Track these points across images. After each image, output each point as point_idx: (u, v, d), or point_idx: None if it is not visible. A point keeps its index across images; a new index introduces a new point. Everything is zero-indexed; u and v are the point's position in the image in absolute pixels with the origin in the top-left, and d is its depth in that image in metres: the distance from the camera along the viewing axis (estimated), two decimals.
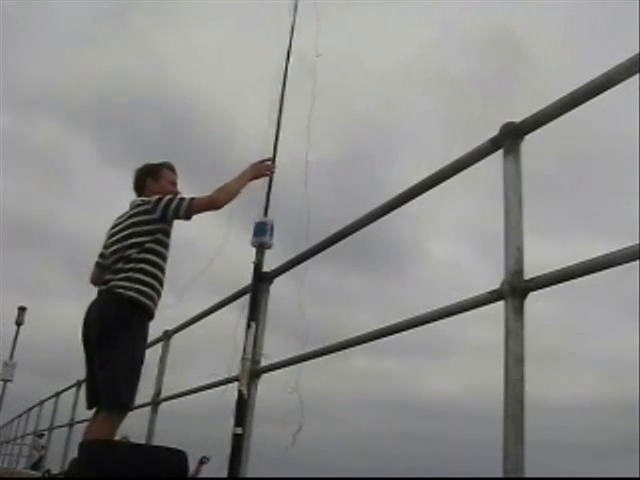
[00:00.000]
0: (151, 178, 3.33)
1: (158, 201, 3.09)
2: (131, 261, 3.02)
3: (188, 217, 3.10)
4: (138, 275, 3.00)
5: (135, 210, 3.14)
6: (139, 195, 3.31)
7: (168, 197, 3.12)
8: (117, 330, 2.92)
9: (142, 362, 3.04)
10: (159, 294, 3.10)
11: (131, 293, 2.97)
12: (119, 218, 3.22)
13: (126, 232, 3.08)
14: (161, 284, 3.11)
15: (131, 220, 3.11)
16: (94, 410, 3.07)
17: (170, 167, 3.41)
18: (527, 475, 1.46)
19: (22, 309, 16.92)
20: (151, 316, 3.09)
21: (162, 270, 3.11)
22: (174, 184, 3.38)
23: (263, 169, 3.32)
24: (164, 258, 3.12)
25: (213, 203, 3.11)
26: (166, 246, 3.14)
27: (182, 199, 3.11)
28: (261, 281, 3.15)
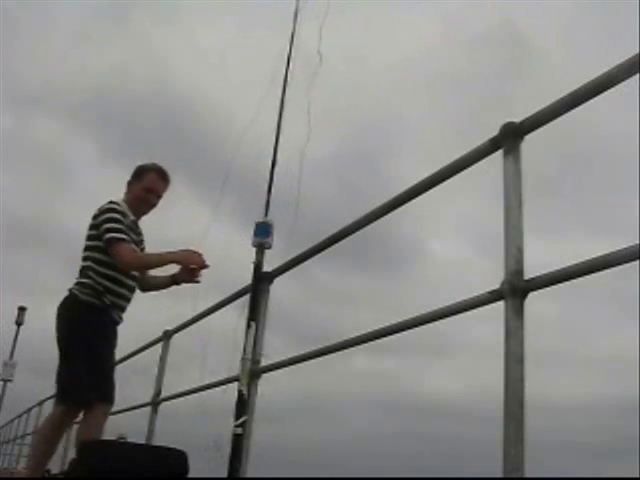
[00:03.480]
0: (133, 178, 3.31)
1: (102, 223, 3.09)
2: (86, 262, 3.14)
3: (107, 253, 3.09)
4: (91, 275, 3.10)
5: (91, 222, 3.18)
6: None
7: (107, 226, 3.07)
8: (72, 331, 3.03)
9: (107, 358, 3.11)
10: (116, 292, 3.15)
11: (84, 295, 3.07)
12: None
13: (86, 237, 3.19)
14: (117, 282, 3.14)
15: (89, 229, 3.20)
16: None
17: (159, 172, 3.30)
18: (527, 475, 1.46)
19: (22, 309, 16.92)
20: (110, 315, 3.13)
21: (116, 269, 3.12)
22: (150, 191, 3.28)
23: (191, 259, 3.16)
24: None
25: (125, 259, 3.06)
26: None
27: (112, 238, 3.05)
28: (261, 281, 3.15)
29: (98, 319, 3.08)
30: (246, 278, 3.23)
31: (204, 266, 3.17)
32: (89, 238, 3.18)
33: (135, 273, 3.23)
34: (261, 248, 3.20)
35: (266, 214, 3.27)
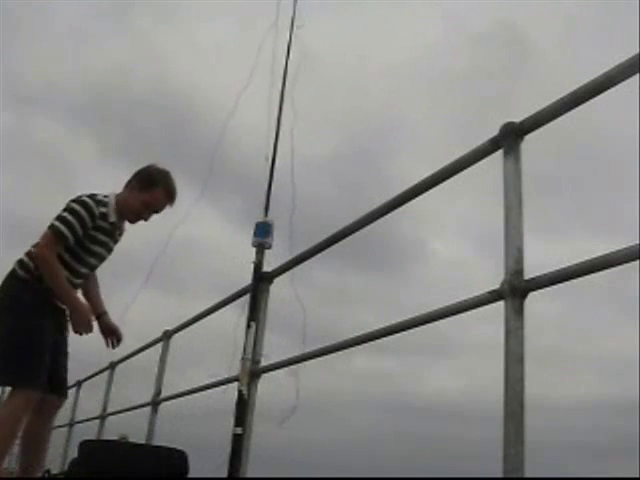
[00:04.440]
0: (139, 183, 3.04)
1: (64, 210, 2.89)
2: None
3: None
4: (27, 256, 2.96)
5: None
6: (125, 185, 3.07)
7: (63, 215, 2.86)
8: (4, 308, 2.88)
9: (37, 338, 2.84)
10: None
11: (21, 272, 2.91)
12: None
13: None
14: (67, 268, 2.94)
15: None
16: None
17: (168, 192, 3.04)
18: (527, 475, 1.46)
19: None
20: (49, 297, 2.91)
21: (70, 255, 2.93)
22: (149, 208, 3.03)
23: (79, 323, 2.89)
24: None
25: (42, 251, 2.83)
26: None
27: (55, 227, 2.83)
28: (261, 281, 3.15)
29: (33, 297, 2.88)
30: (246, 278, 3.24)
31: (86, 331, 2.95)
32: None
33: (84, 270, 3.00)
34: (261, 248, 3.20)
35: (266, 214, 3.27)
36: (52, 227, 2.85)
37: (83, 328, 2.91)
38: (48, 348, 2.87)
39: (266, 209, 3.29)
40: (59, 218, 2.87)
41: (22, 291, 2.88)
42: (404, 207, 2.28)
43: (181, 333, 4.56)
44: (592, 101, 1.56)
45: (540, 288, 1.56)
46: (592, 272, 1.45)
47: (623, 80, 1.47)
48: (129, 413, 4.84)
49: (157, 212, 3.09)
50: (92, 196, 2.95)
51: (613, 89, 1.50)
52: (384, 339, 2.21)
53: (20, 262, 2.94)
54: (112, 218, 2.99)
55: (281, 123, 3.39)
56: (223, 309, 3.81)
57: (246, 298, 3.19)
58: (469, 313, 1.79)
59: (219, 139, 3.29)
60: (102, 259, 3.12)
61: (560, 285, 1.52)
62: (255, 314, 3.08)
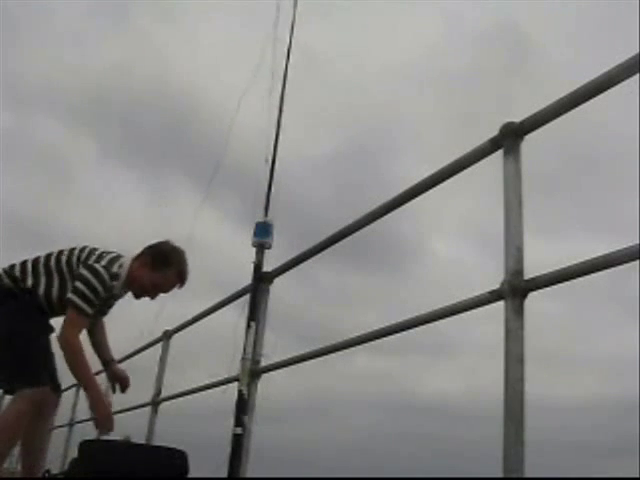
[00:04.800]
0: (153, 260, 2.92)
1: (79, 278, 2.78)
2: (40, 267, 2.92)
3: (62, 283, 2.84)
4: (28, 277, 2.91)
5: (78, 254, 2.90)
6: (137, 257, 2.95)
7: (81, 288, 2.74)
8: None
9: (33, 336, 2.82)
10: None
11: (6, 280, 2.89)
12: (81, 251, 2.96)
13: (60, 259, 2.94)
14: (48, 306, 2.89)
15: (70, 254, 2.92)
16: None
17: (180, 277, 2.96)
18: (527, 475, 1.46)
19: None
20: (29, 297, 2.86)
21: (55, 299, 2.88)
22: (157, 287, 2.94)
23: (101, 419, 2.79)
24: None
25: (68, 336, 2.72)
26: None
27: (77, 305, 2.73)
28: (261, 281, 3.16)
29: (18, 301, 2.86)
30: (246, 278, 3.24)
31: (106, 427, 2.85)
32: (66, 263, 2.90)
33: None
34: (261, 248, 3.20)
35: (266, 214, 3.28)
36: (75, 306, 2.74)
37: (106, 427, 2.83)
38: (44, 346, 2.88)
39: (266, 209, 3.29)
40: (78, 293, 2.75)
41: (6, 297, 2.88)
42: (404, 207, 2.28)
43: (181, 333, 4.56)
44: (592, 101, 1.56)
45: (540, 288, 1.56)
46: (592, 272, 1.45)
47: (623, 80, 1.47)
48: (129, 413, 4.84)
49: (165, 292, 3.02)
50: (108, 268, 2.82)
51: (613, 89, 1.50)
52: (384, 339, 2.21)
53: (4, 272, 2.93)
54: (116, 290, 2.91)
55: (281, 125, 3.40)
56: (223, 309, 3.81)
57: (246, 298, 3.20)
58: (469, 313, 1.79)
59: (224, 145, 3.29)
60: (102, 314, 3.16)
61: (560, 285, 1.52)
62: (255, 314, 3.08)
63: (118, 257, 2.93)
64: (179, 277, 2.97)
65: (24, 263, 2.96)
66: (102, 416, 2.79)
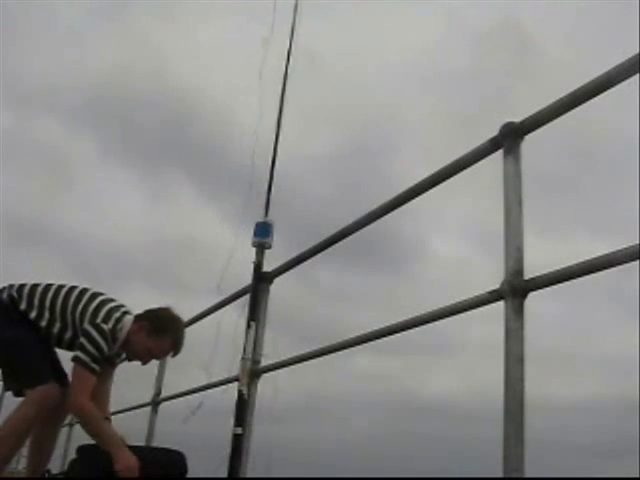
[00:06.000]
0: (150, 326, 2.90)
1: (86, 335, 2.78)
2: (56, 309, 2.93)
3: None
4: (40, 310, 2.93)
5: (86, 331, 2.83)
6: (136, 319, 2.93)
7: (88, 347, 2.74)
8: None
9: (23, 336, 2.85)
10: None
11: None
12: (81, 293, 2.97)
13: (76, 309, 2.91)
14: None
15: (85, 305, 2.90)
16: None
17: (176, 345, 2.93)
18: (527, 475, 1.46)
19: None
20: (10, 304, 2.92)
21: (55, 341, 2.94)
22: (150, 353, 2.93)
23: (132, 466, 2.66)
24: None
25: (77, 400, 2.72)
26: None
27: (85, 364, 2.73)
28: (261, 281, 3.16)
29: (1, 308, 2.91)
30: (246, 278, 3.24)
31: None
32: (71, 313, 2.89)
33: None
34: (261, 248, 3.20)
35: (266, 214, 3.28)
36: (84, 365, 2.75)
37: (131, 469, 2.69)
38: (38, 343, 2.88)
39: (266, 209, 3.29)
40: (86, 352, 2.76)
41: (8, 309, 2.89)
42: (404, 207, 2.28)
43: None
44: (592, 101, 1.56)
45: (540, 288, 1.56)
46: (592, 272, 1.45)
47: (623, 80, 1.47)
48: (129, 413, 4.84)
49: (157, 359, 3.01)
50: (113, 330, 2.84)
51: (613, 89, 1.50)
52: (384, 339, 2.21)
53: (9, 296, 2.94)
54: (117, 349, 2.91)
55: (281, 125, 3.40)
56: (223, 309, 3.81)
57: (246, 298, 3.20)
58: (469, 313, 1.79)
59: (251, 169, 3.26)
60: (111, 364, 3.10)
61: (560, 285, 1.53)
62: (255, 314, 3.09)
63: (122, 317, 2.91)
64: (173, 346, 2.93)
65: (31, 295, 2.95)
66: (126, 468, 2.68)
